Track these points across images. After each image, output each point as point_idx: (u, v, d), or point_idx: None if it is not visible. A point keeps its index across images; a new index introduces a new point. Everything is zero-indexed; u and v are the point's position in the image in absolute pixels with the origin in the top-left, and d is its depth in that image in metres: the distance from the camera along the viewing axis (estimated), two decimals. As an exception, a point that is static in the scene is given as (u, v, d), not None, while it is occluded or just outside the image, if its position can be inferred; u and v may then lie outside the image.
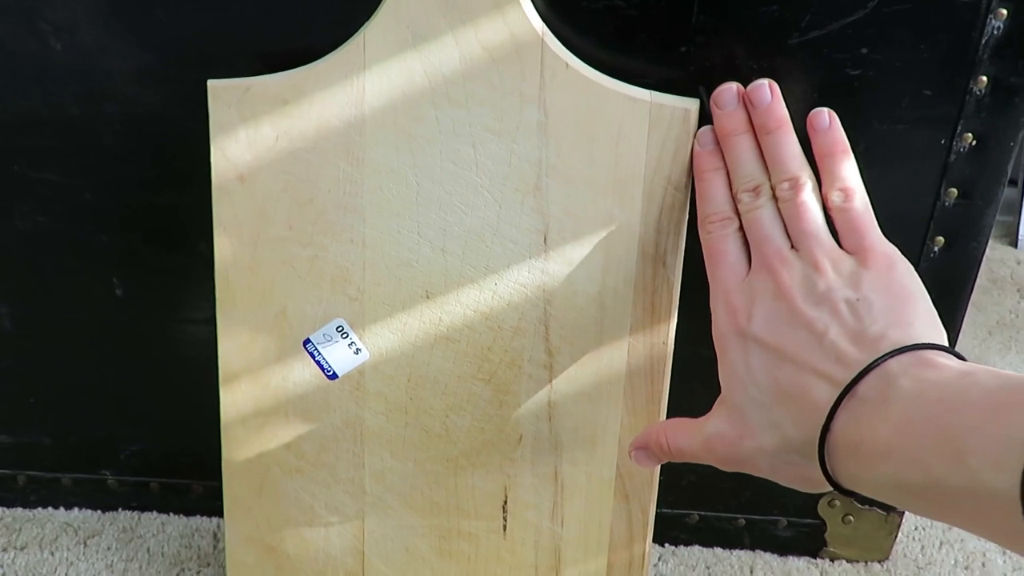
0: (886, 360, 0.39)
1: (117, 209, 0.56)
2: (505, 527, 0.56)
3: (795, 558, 0.66)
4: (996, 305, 0.91)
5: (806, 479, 0.41)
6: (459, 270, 0.50)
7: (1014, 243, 1.01)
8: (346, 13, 0.47)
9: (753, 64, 0.48)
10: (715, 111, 0.47)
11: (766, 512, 0.65)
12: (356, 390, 0.53)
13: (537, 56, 0.46)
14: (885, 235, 0.45)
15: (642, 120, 0.47)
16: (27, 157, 0.54)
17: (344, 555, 0.57)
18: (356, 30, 0.46)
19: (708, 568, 0.65)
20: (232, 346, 0.52)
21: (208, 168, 0.49)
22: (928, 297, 0.42)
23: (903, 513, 0.64)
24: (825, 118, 0.46)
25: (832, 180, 0.45)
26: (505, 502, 0.55)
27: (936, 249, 0.54)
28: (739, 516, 0.65)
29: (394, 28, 0.46)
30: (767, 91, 0.45)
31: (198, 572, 0.64)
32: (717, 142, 0.47)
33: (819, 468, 0.40)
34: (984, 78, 0.48)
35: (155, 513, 0.68)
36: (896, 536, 0.65)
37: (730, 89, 0.46)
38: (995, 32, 0.47)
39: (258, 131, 0.48)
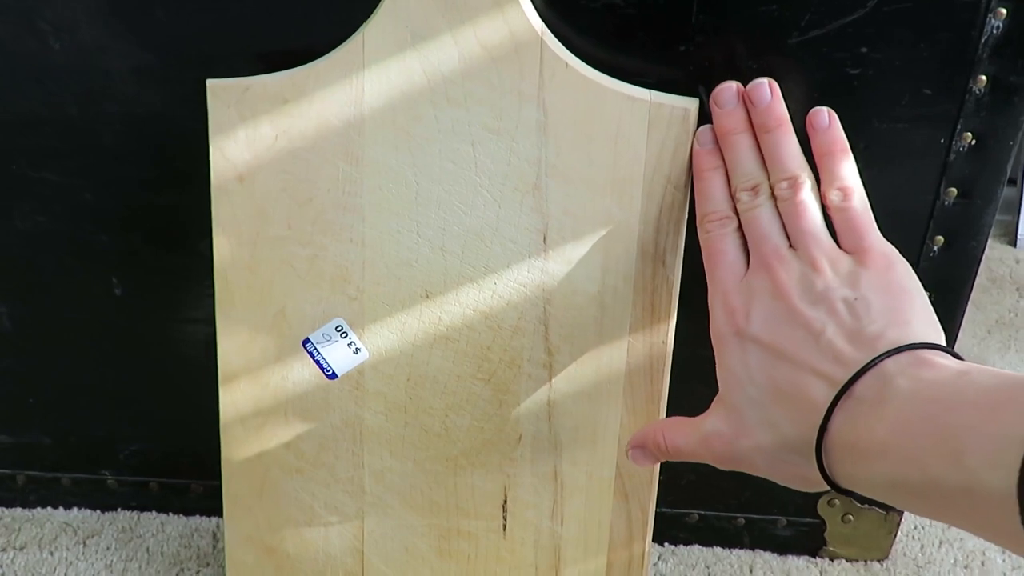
0: (883, 359, 0.39)
1: (117, 209, 0.56)
2: (505, 526, 0.56)
3: (795, 557, 0.66)
4: (995, 304, 0.91)
5: (803, 478, 0.41)
6: (458, 269, 0.50)
7: (1013, 242, 1.01)
8: (345, 13, 0.47)
9: (753, 63, 0.48)
10: (714, 110, 0.47)
11: (766, 511, 0.65)
12: (355, 390, 0.53)
13: (536, 55, 0.46)
14: (884, 234, 0.45)
15: (641, 119, 0.47)
16: (27, 157, 0.54)
17: (344, 555, 0.57)
18: (355, 30, 0.46)
19: (708, 567, 0.65)
20: (231, 346, 0.52)
21: (208, 168, 0.49)
22: (926, 296, 0.43)
23: (902, 512, 0.64)
24: (824, 117, 0.46)
25: (831, 179, 0.45)
26: (505, 501, 0.55)
27: (935, 248, 0.54)
28: (739, 515, 0.65)
29: (393, 27, 0.46)
30: (767, 90, 0.45)
31: (197, 572, 0.64)
32: (716, 141, 0.47)
33: (816, 467, 0.40)
34: (983, 77, 0.48)
35: (154, 513, 0.68)
36: (895, 535, 0.65)
37: (730, 88, 0.46)
38: (994, 31, 0.47)
39: (257, 131, 0.48)
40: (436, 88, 0.47)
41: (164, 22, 0.49)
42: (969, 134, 0.50)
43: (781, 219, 0.45)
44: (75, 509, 0.68)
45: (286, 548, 0.57)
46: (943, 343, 0.40)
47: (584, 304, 0.50)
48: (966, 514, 0.34)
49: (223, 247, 0.50)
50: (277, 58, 0.48)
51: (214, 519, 0.67)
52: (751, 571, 0.65)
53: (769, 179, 0.46)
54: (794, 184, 0.45)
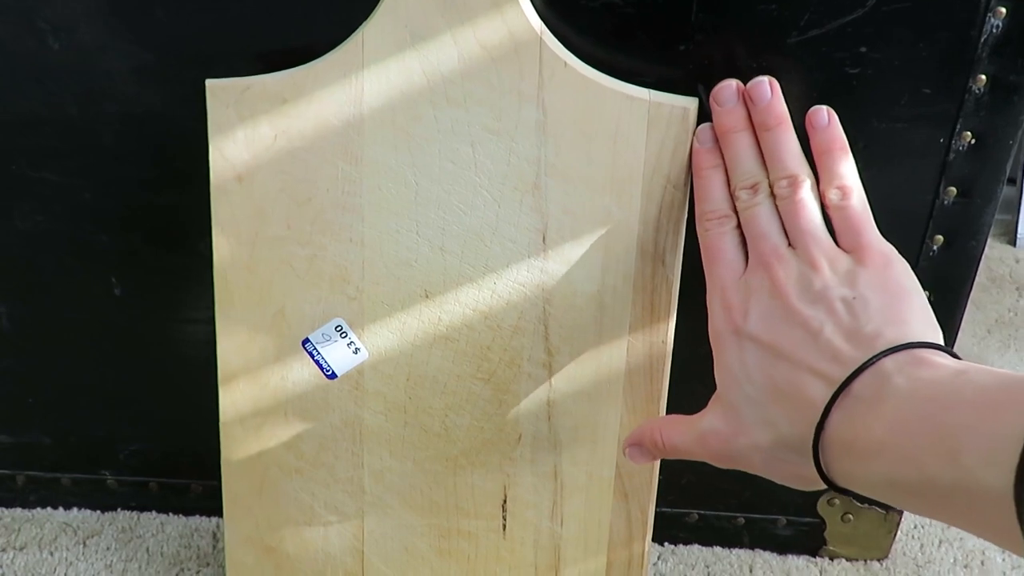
0: (881, 358, 0.39)
1: (116, 209, 0.56)
2: (504, 526, 0.56)
3: (794, 557, 0.66)
4: (995, 303, 0.91)
5: (800, 476, 0.41)
6: (458, 269, 0.50)
7: (1012, 241, 1.01)
8: (345, 12, 0.47)
9: (752, 63, 0.48)
10: (714, 108, 0.47)
11: (765, 511, 0.65)
12: (355, 389, 0.53)
13: (536, 55, 0.46)
14: (884, 233, 0.45)
15: (641, 119, 0.47)
16: (26, 157, 0.54)
17: (343, 554, 0.57)
18: (355, 29, 0.46)
19: (707, 567, 0.65)
20: (231, 346, 0.52)
21: (207, 168, 0.49)
22: (924, 296, 0.43)
23: (902, 512, 0.64)
24: (824, 116, 0.46)
25: (830, 178, 0.45)
26: (504, 501, 0.55)
27: (935, 247, 0.54)
28: (738, 515, 0.65)
29: (393, 27, 0.46)
30: (767, 88, 0.45)
31: (197, 572, 0.64)
32: (716, 140, 0.47)
33: (813, 466, 0.40)
34: (983, 76, 0.48)
35: (154, 513, 0.68)
36: (895, 534, 0.65)
37: (730, 86, 0.46)
38: (994, 30, 0.47)
39: (256, 130, 0.48)
40: (435, 88, 0.47)
41: (163, 22, 0.49)
42: (968, 133, 0.50)
43: (780, 218, 0.45)
44: (75, 509, 0.68)
45: (286, 548, 0.57)
46: (941, 342, 0.40)
47: (584, 304, 0.50)
48: (963, 513, 0.34)
49: (222, 247, 0.50)
50: (276, 58, 0.48)
51: (214, 519, 0.67)
52: (751, 571, 0.65)
53: (768, 178, 0.46)
54: (793, 183, 0.45)
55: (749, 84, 0.46)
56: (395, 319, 0.51)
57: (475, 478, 0.55)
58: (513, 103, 0.47)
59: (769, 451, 0.42)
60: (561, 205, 0.49)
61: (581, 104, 0.47)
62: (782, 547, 0.66)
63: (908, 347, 0.39)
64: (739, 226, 0.46)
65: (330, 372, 0.52)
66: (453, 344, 0.52)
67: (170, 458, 0.65)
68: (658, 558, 0.66)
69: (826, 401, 0.39)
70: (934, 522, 0.68)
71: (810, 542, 0.66)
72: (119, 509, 0.68)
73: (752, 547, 0.66)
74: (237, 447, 0.54)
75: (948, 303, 0.55)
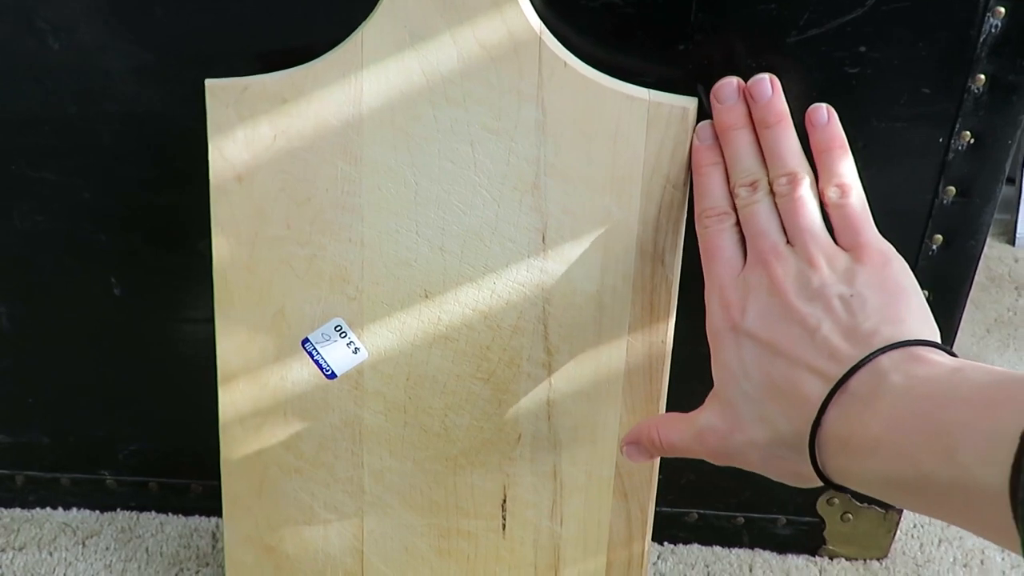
0: (878, 356, 0.39)
1: (116, 209, 0.56)
2: (504, 526, 0.56)
3: (794, 556, 0.66)
4: (994, 303, 0.91)
5: (796, 474, 0.42)
6: (458, 269, 0.50)
7: (1012, 241, 1.01)
8: (344, 12, 0.47)
9: (751, 62, 0.48)
10: (715, 105, 0.47)
11: (765, 510, 0.65)
12: (355, 389, 0.53)
13: (535, 55, 0.46)
14: (883, 233, 0.45)
15: (640, 118, 0.47)
16: (25, 156, 0.54)
17: (343, 554, 0.57)
18: (354, 29, 0.46)
19: (707, 566, 0.65)
20: (230, 345, 0.52)
21: (207, 167, 0.49)
22: (921, 294, 0.43)
23: (901, 511, 0.64)
24: (823, 114, 0.46)
25: (829, 176, 0.45)
26: (504, 501, 0.55)
27: (934, 247, 0.54)
28: (738, 514, 0.65)
29: (392, 27, 0.46)
30: (768, 85, 0.45)
31: (197, 572, 0.64)
32: (716, 137, 0.47)
33: (809, 463, 0.40)
34: (982, 76, 0.48)
35: (154, 513, 0.68)
36: (895, 534, 0.65)
37: (730, 83, 0.46)
38: (993, 30, 0.47)
39: (256, 130, 0.48)
40: (435, 88, 0.47)
41: (163, 22, 0.49)
42: (968, 133, 0.50)
43: (779, 215, 0.45)
44: (74, 509, 0.68)
45: (285, 548, 0.57)
46: (938, 340, 0.40)
47: (583, 303, 0.50)
48: (959, 510, 0.34)
49: (222, 247, 0.50)
50: (276, 58, 0.48)
51: (213, 519, 0.67)
52: (750, 570, 0.65)
53: (768, 175, 0.46)
54: (793, 180, 0.45)
55: (750, 81, 0.46)
56: (395, 319, 0.51)
57: (475, 478, 0.55)
58: (512, 103, 0.47)
59: (766, 448, 0.42)
60: (561, 205, 0.49)
61: (581, 104, 0.47)
62: (781, 546, 0.66)
63: (905, 345, 0.39)
64: (738, 224, 0.46)
65: (330, 372, 0.52)
66: (453, 344, 0.52)
67: (169, 458, 0.65)
68: (658, 557, 0.66)
69: (823, 398, 0.39)
70: (933, 521, 0.68)
71: (809, 541, 0.66)
72: (118, 509, 0.68)
73: (752, 546, 0.66)
74: (237, 447, 0.54)
75: (947, 302, 0.55)
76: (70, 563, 0.64)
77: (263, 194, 0.49)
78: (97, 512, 0.68)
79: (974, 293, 0.65)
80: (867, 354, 0.39)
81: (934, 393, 0.36)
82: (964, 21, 0.47)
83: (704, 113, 0.48)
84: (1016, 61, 0.48)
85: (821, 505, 0.64)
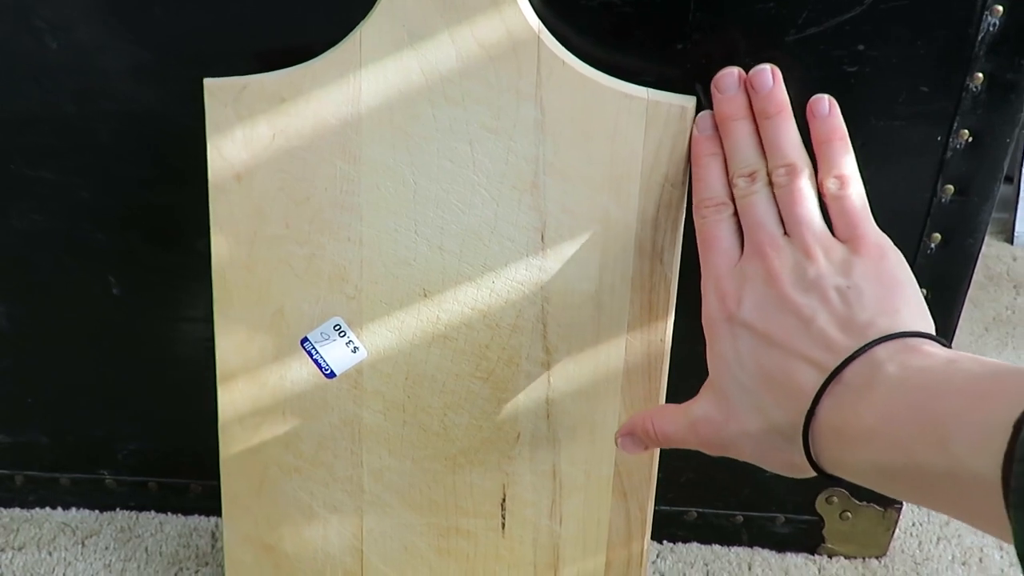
0: (873, 347, 0.39)
1: (114, 208, 0.56)
2: (504, 525, 0.56)
3: (793, 554, 0.66)
4: (992, 301, 0.91)
5: (790, 464, 0.42)
6: (457, 268, 0.50)
7: (1010, 240, 1.01)
8: (343, 11, 0.47)
9: (750, 61, 0.47)
10: (715, 95, 0.47)
11: (764, 509, 0.65)
12: (354, 389, 0.53)
13: (534, 54, 0.46)
14: (882, 231, 0.45)
15: (639, 117, 0.47)
16: (23, 156, 0.54)
17: (343, 553, 0.57)
18: (352, 28, 0.46)
19: (706, 565, 0.65)
20: (229, 345, 0.52)
21: (205, 167, 0.49)
22: (917, 287, 0.43)
23: (900, 509, 0.64)
24: (825, 105, 0.46)
25: (829, 167, 0.45)
26: (503, 500, 0.55)
27: (932, 245, 0.54)
28: (737, 513, 0.65)
29: (390, 26, 0.46)
30: (769, 76, 0.45)
31: (196, 571, 0.64)
32: (716, 128, 0.47)
33: (803, 453, 0.40)
34: (980, 75, 0.48)
35: (153, 513, 0.68)
36: (893, 532, 0.65)
37: (731, 74, 0.46)
38: (991, 29, 0.47)
39: (254, 130, 0.48)
40: (434, 87, 0.47)
41: (162, 21, 0.49)
42: (966, 131, 0.50)
43: (777, 207, 0.45)
44: (73, 509, 0.68)
45: (285, 547, 0.57)
46: (933, 332, 0.40)
47: (582, 302, 0.50)
48: (951, 499, 0.34)
49: (221, 246, 0.50)
50: (274, 57, 0.48)
51: (213, 518, 0.67)
52: (750, 568, 0.65)
53: (767, 166, 0.46)
54: (792, 171, 0.45)
55: (751, 71, 0.46)
56: (394, 318, 0.51)
57: (474, 477, 0.55)
58: (511, 102, 0.47)
59: (760, 438, 0.42)
60: (559, 204, 0.49)
61: (579, 103, 0.47)
62: (780, 545, 0.66)
63: (900, 336, 0.39)
64: (736, 215, 0.46)
65: (329, 371, 0.52)
66: (452, 343, 0.52)
67: (169, 458, 0.65)
68: (657, 556, 0.66)
69: (817, 388, 0.40)
70: (932, 520, 0.68)
71: (808, 540, 0.66)
72: (118, 509, 0.68)
73: (751, 545, 0.66)
74: (236, 446, 0.54)
75: (946, 301, 0.55)
76: (69, 563, 0.64)
77: (262, 193, 0.49)
78: (96, 512, 0.68)
79: (972, 292, 0.65)
80: (862, 345, 0.39)
81: (928, 384, 0.36)
82: (962, 20, 0.47)
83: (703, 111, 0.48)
84: (1014, 59, 0.48)
85: (820, 503, 0.64)
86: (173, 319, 0.59)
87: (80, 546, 0.65)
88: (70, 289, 0.59)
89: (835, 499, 0.64)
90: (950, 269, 0.55)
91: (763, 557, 0.66)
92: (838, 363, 0.39)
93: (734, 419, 0.43)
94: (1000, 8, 0.46)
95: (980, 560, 0.65)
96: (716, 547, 0.67)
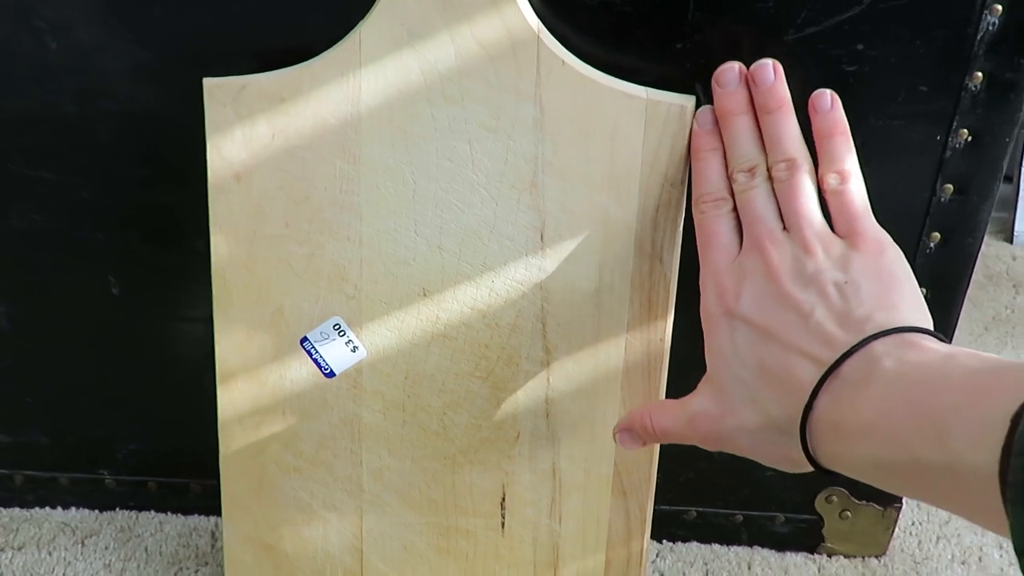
0: (871, 342, 0.39)
1: (114, 208, 0.56)
2: (503, 524, 0.56)
3: (793, 554, 0.66)
4: (992, 301, 0.91)
5: (788, 459, 0.42)
6: (456, 268, 0.50)
7: (1009, 239, 1.01)
8: (342, 11, 0.47)
9: (749, 60, 0.48)
10: (716, 90, 0.47)
11: (764, 508, 0.65)
12: (353, 388, 0.53)
13: (533, 53, 0.46)
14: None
15: (638, 117, 0.47)
16: (23, 156, 0.54)
17: (342, 553, 0.57)
18: (352, 28, 0.46)
19: (706, 564, 0.65)
20: (229, 345, 0.52)
21: (205, 166, 0.49)
22: (915, 282, 0.43)
23: (900, 508, 0.64)
24: (827, 100, 0.46)
25: (830, 162, 0.45)
26: (503, 499, 0.55)
27: (932, 245, 0.54)
28: (737, 512, 0.65)
29: (390, 25, 0.46)
30: (770, 71, 0.45)
31: (196, 571, 0.64)
32: (716, 122, 0.47)
33: (800, 447, 0.40)
34: (979, 74, 0.48)
35: (153, 512, 0.68)
36: (893, 531, 0.65)
37: (732, 68, 0.46)
38: (990, 28, 0.47)
39: (254, 129, 0.48)
40: (433, 86, 0.47)
41: (161, 21, 0.49)
42: (965, 131, 0.50)
43: (776, 202, 0.45)
44: (73, 509, 0.68)
45: (284, 547, 0.57)
46: (931, 328, 0.40)
47: (581, 301, 0.50)
48: (949, 494, 0.34)
49: (220, 246, 0.50)
50: (274, 57, 0.48)
51: (212, 518, 0.67)
52: (749, 568, 0.65)
53: (767, 161, 0.46)
54: (792, 166, 0.45)
55: (752, 66, 0.46)
56: (393, 317, 0.51)
57: (473, 476, 0.55)
58: (511, 101, 0.47)
59: (757, 433, 0.42)
60: (559, 203, 0.49)
61: (579, 102, 0.47)
62: (780, 544, 0.66)
63: (898, 331, 0.39)
64: (735, 209, 0.46)
65: (328, 371, 0.52)
66: (451, 342, 0.52)
67: (169, 457, 0.65)
68: (657, 555, 0.66)
69: (815, 383, 0.40)
70: (932, 519, 0.68)
71: (808, 539, 0.66)
72: (117, 508, 0.68)
73: (750, 544, 0.66)
74: (236, 446, 0.54)
75: (945, 300, 0.55)
76: (69, 563, 0.64)
77: (261, 193, 0.49)
78: (96, 511, 0.68)
79: (972, 291, 0.65)
80: (860, 340, 0.39)
81: (926, 379, 0.36)
82: (961, 19, 0.47)
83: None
84: (1013, 59, 0.48)
85: (820, 503, 0.64)
86: (173, 319, 0.59)
87: (80, 546, 0.65)
88: (70, 289, 0.59)
89: (835, 498, 0.64)
90: (949, 268, 0.55)
91: (763, 556, 0.66)
92: (836, 358, 0.39)
93: (731, 413, 0.43)
94: (999, 7, 0.46)
95: (979, 559, 0.65)
96: (716, 546, 0.67)
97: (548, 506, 0.55)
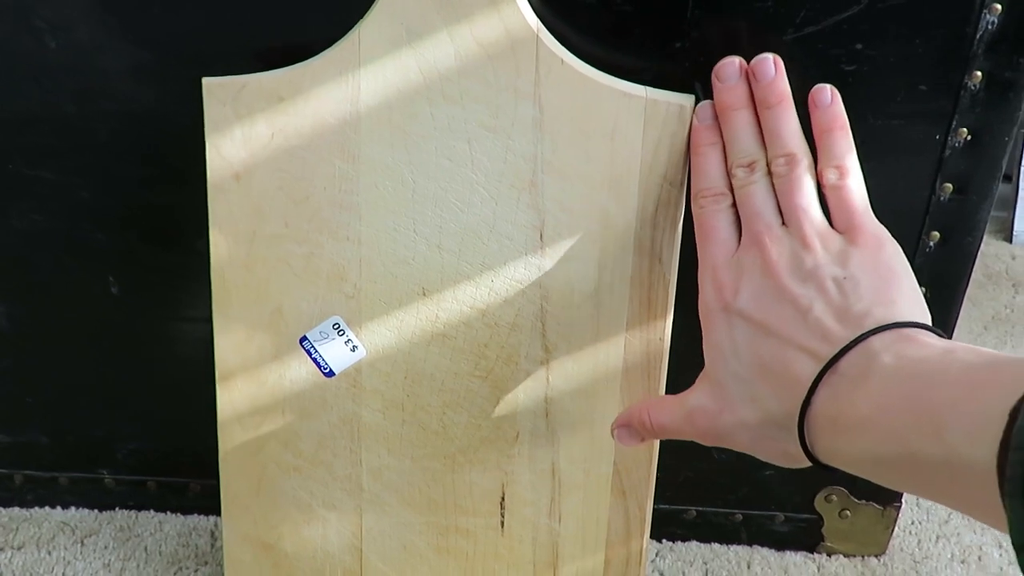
0: (869, 337, 0.39)
1: (113, 207, 0.56)
2: (503, 524, 0.56)
3: (792, 553, 0.66)
4: (991, 300, 0.91)
5: (785, 453, 0.42)
6: (455, 267, 0.50)
7: (1008, 238, 1.01)
8: (341, 10, 0.47)
9: (748, 59, 0.48)
10: (716, 85, 0.46)
11: (763, 507, 0.65)
12: (353, 387, 0.53)
13: (532, 52, 0.46)
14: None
15: (637, 116, 0.47)
16: (23, 155, 0.54)
17: (342, 552, 0.57)
18: (351, 27, 0.46)
19: (706, 563, 0.65)
20: (228, 344, 0.52)
21: (204, 166, 0.49)
22: (914, 278, 0.43)
23: (900, 507, 0.64)
24: (827, 95, 0.46)
25: (829, 157, 0.45)
26: (503, 499, 0.55)
27: (931, 244, 0.54)
28: (736, 511, 0.65)
29: (389, 25, 0.46)
30: (771, 65, 0.45)
31: (196, 571, 0.64)
32: (716, 118, 0.47)
33: (798, 443, 0.40)
34: (979, 73, 0.48)
35: (152, 512, 0.68)
36: (893, 530, 0.65)
37: (732, 63, 0.46)
38: (989, 27, 0.47)
39: (253, 129, 0.48)
40: (432, 85, 0.47)
41: (160, 20, 0.49)
42: (964, 130, 0.50)
43: (776, 198, 0.45)
44: (73, 508, 0.68)
45: (284, 546, 0.57)
46: (929, 323, 0.40)
47: (581, 301, 0.50)
48: (947, 489, 0.34)
49: (220, 245, 0.50)
50: (273, 56, 0.48)
51: (212, 518, 0.67)
52: (749, 567, 0.65)
53: (767, 156, 0.45)
54: (791, 161, 0.45)
55: (753, 61, 0.46)
56: (393, 317, 0.51)
57: (473, 475, 0.55)
58: (510, 100, 0.47)
59: (755, 428, 0.42)
60: (558, 202, 0.49)
61: (578, 101, 0.47)
62: (780, 543, 0.66)
63: (896, 326, 0.39)
64: (734, 205, 0.46)
65: (328, 370, 0.52)
66: (451, 342, 0.52)
67: (168, 457, 0.65)
68: (656, 555, 0.66)
69: (813, 378, 0.40)
70: (931, 518, 0.68)
71: (808, 538, 0.66)
72: (117, 508, 0.68)
73: (750, 543, 0.67)
74: (235, 445, 0.54)
75: (944, 299, 0.55)
76: (69, 562, 0.64)
77: (261, 192, 0.49)
78: (96, 511, 0.68)
79: (971, 290, 0.65)
80: (858, 335, 0.39)
81: (924, 374, 0.36)
82: (961, 18, 0.47)
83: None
84: (1013, 58, 0.48)
85: (819, 502, 0.64)
86: (172, 319, 0.59)
87: (79, 545, 0.65)
88: (70, 289, 0.59)
89: (834, 497, 0.64)
90: (949, 268, 0.55)
91: (762, 555, 0.66)
92: (834, 353, 0.39)
93: (730, 409, 0.43)
94: (999, 7, 0.47)
95: (979, 558, 0.65)
96: (715, 545, 0.67)
97: (547, 505, 0.55)
